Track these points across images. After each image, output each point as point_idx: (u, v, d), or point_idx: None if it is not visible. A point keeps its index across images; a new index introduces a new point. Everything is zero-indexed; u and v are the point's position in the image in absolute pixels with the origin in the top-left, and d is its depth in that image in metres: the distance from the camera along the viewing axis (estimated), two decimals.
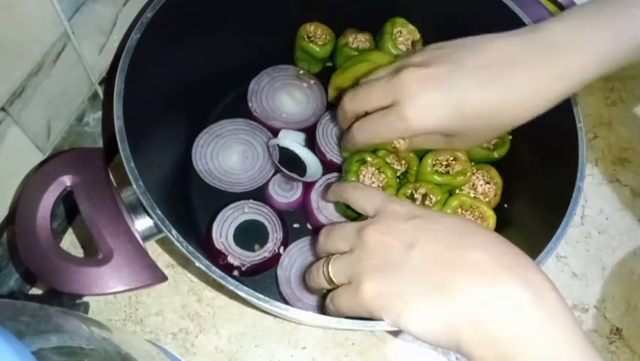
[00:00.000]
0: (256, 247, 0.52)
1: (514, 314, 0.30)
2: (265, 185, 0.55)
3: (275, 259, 0.51)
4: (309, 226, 0.54)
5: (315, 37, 0.58)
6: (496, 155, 0.50)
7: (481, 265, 0.31)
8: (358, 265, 0.34)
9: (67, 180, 0.38)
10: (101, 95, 0.52)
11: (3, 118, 0.39)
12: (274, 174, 0.56)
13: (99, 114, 0.53)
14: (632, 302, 0.57)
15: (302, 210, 0.55)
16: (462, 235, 0.33)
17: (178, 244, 0.36)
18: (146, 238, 0.39)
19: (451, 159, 0.49)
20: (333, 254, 0.37)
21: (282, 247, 0.52)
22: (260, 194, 0.55)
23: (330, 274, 0.36)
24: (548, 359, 0.29)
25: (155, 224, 0.38)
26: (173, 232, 0.36)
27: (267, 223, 0.53)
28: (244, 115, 0.58)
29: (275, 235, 0.52)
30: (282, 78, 0.60)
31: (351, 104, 0.44)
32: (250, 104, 0.58)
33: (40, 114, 0.43)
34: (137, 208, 0.39)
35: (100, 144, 0.55)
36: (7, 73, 0.38)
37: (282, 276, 0.51)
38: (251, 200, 0.54)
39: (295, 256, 0.52)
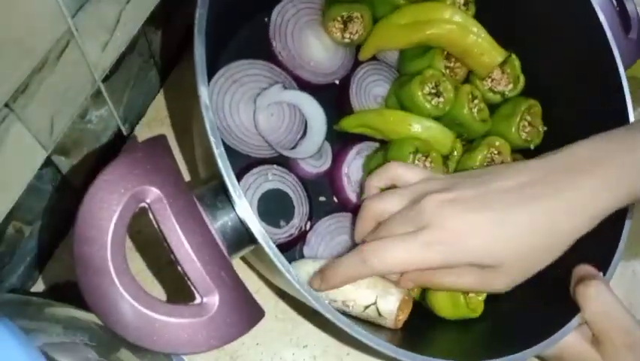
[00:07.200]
0: (282, 223, 0.46)
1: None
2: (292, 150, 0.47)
3: (301, 236, 0.46)
4: (335, 200, 0.49)
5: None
6: (531, 146, 0.50)
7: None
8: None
9: (144, 194, 0.28)
10: (104, 93, 0.52)
11: (6, 114, 0.39)
12: (302, 137, 0.48)
13: (102, 111, 0.52)
14: (635, 303, 0.57)
15: (328, 181, 0.49)
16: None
17: (275, 259, 0.29)
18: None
19: (495, 153, 0.48)
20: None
21: (308, 223, 0.46)
22: (283, 160, 0.47)
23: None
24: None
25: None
26: (271, 244, 0.30)
27: (292, 194, 0.46)
28: (265, 56, 0.48)
29: (301, 208, 0.46)
30: (308, 12, 0.50)
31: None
32: (274, 44, 0.48)
33: (43, 111, 0.43)
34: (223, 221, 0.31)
35: (103, 141, 0.55)
36: (11, 69, 0.38)
37: (308, 256, 0.46)
38: (275, 165, 0.46)
39: (322, 235, 0.47)
